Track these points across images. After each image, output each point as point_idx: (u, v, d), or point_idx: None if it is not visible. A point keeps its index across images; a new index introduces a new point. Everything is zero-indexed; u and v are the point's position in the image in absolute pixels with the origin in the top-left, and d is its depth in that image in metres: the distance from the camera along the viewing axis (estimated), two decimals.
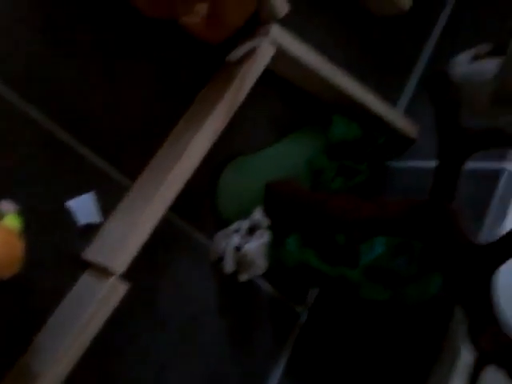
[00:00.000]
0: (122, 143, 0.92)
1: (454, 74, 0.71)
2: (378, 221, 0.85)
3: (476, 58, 0.69)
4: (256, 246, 0.95)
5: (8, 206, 0.75)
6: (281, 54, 0.97)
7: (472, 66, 0.69)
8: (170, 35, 0.94)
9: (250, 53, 0.95)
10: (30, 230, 0.78)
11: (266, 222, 0.97)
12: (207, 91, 0.98)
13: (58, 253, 0.86)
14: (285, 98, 1.11)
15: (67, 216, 0.86)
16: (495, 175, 1.08)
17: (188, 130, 0.92)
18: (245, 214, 0.99)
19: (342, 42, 1.21)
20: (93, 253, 0.85)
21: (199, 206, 0.99)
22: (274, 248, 1.00)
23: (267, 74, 0.99)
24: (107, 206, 0.88)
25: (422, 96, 1.33)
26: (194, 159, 0.87)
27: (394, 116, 1.18)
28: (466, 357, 0.83)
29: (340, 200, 0.93)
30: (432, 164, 1.21)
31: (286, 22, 0.98)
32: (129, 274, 0.82)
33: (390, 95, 1.30)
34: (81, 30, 0.89)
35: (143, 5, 0.83)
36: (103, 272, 0.81)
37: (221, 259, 0.98)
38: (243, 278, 0.97)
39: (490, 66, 0.67)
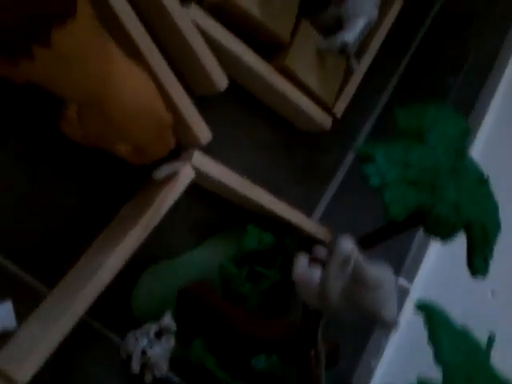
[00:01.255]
0: (41, 251, 0.99)
1: (294, 274, 0.83)
2: (261, 340, 0.96)
3: (313, 260, 0.82)
4: (160, 351, 1.04)
5: None
6: (202, 177, 1.09)
7: (308, 269, 0.80)
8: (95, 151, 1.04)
9: (173, 174, 1.06)
10: None
11: (173, 326, 1.06)
12: (129, 207, 1.07)
13: None
14: (206, 203, 1.22)
15: None
16: None
17: (106, 245, 1.00)
18: (157, 317, 1.08)
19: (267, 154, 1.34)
20: (1, 359, 0.91)
21: (114, 307, 1.07)
22: (182, 346, 1.10)
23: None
24: (23, 313, 0.94)
25: (341, 199, 1.47)
26: (109, 274, 0.96)
27: (310, 225, 1.30)
28: None
29: (236, 313, 1.04)
30: None
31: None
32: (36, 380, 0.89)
33: (311, 197, 1.44)
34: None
35: (74, 136, 0.92)
36: (8, 380, 0.87)
37: (129, 358, 1.06)
38: (148, 378, 1.05)
39: (317, 275, 0.79)
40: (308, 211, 1.41)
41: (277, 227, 1.27)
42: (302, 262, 0.82)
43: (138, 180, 1.10)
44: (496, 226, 0.78)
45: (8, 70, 0.78)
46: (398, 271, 1.21)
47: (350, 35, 1.24)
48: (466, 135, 0.81)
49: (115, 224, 1.06)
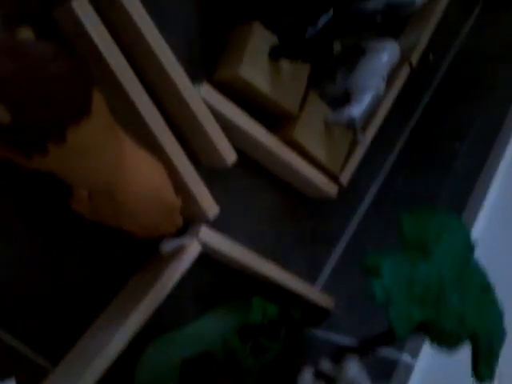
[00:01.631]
0: (45, 325, 1.00)
1: None
2: None
3: (319, 374, 0.82)
4: None
5: None
6: (208, 250, 1.10)
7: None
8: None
9: (180, 247, 1.07)
10: None
11: None
12: (136, 280, 1.09)
13: None
14: (211, 271, 1.22)
15: None
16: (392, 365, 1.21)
17: (113, 320, 1.01)
18: None
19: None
20: None
21: (117, 381, 1.07)
22: None
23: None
24: None
25: (346, 264, 1.47)
26: (115, 351, 0.96)
27: (313, 293, 1.31)
28: None
29: None
30: (346, 340, 1.34)
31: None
32: None
33: (315, 263, 1.44)
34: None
35: (84, 213, 0.94)
36: None
37: None
38: None
39: None
40: (312, 277, 1.41)
41: (282, 295, 1.28)
42: (306, 378, 0.83)
43: (146, 252, 1.11)
44: (501, 334, 0.78)
45: (21, 160, 0.80)
46: (401, 347, 1.20)
47: (357, 110, 1.27)
48: (472, 248, 0.82)
49: (122, 297, 1.07)
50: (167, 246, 1.07)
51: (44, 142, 0.73)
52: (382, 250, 0.77)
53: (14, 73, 0.66)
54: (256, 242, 1.28)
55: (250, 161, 1.28)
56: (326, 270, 1.43)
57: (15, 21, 0.93)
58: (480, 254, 1.21)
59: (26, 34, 0.70)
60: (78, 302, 1.04)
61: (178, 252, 1.06)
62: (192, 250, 1.06)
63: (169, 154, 1.01)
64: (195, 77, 1.12)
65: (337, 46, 1.35)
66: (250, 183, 1.30)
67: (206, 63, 1.20)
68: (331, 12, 1.18)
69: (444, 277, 0.73)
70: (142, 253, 1.11)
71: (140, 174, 0.84)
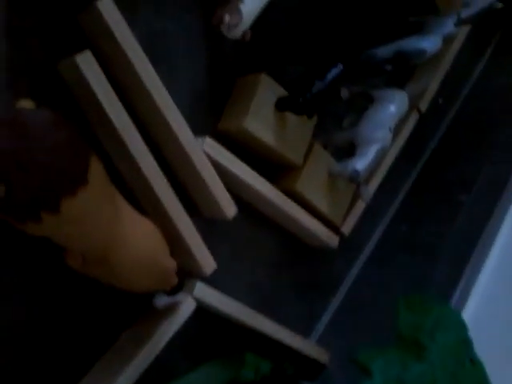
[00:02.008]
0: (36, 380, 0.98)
1: None
2: None
3: None
4: None
5: None
6: (203, 306, 1.08)
7: None
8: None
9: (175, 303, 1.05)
10: None
11: None
12: (129, 334, 1.06)
13: None
14: (204, 324, 1.20)
15: None
16: None
17: (104, 376, 0.99)
18: None
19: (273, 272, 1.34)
20: None
21: None
22: None
23: None
24: None
25: (342, 318, 1.45)
26: None
27: (308, 347, 1.28)
28: None
29: None
30: None
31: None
32: None
33: (313, 313, 1.42)
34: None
35: (78, 268, 0.92)
36: None
37: None
38: None
39: None
40: (308, 328, 1.39)
41: (276, 348, 1.25)
42: None
43: (138, 306, 1.09)
44: None
45: (15, 224, 0.79)
46: None
47: (361, 163, 1.25)
48: (467, 346, 0.79)
49: (113, 352, 1.05)
50: (161, 302, 1.05)
51: (38, 211, 0.71)
52: (373, 347, 0.74)
53: (9, 147, 0.65)
54: (252, 292, 1.25)
55: (251, 209, 1.26)
56: (323, 322, 1.41)
57: (19, 72, 0.93)
58: (481, 320, 1.18)
59: (25, 104, 0.69)
60: (69, 356, 1.01)
61: (172, 307, 1.04)
62: (187, 307, 1.03)
63: (167, 208, 1.00)
64: (199, 126, 1.11)
65: (345, 93, 1.33)
66: (250, 232, 1.27)
67: (211, 112, 1.18)
68: (340, 66, 1.17)
69: (437, 378, 0.71)
70: (135, 306, 1.08)
71: (135, 240, 0.82)
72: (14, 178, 0.66)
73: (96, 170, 0.74)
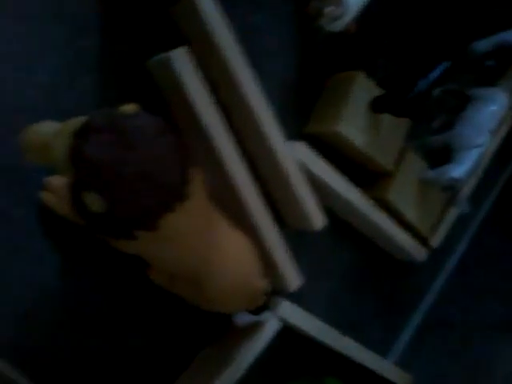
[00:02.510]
0: None
1: None
2: None
3: None
4: None
5: None
6: (287, 326, 1.00)
7: None
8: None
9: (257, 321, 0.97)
10: None
11: None
12: (209, 353, 0.99)
13: None
14: (283, 344, 1.12)
15: None
16: None
17: None
18: None
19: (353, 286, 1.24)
20: None
21: None
22: None
23: None
24: None
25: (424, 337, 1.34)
26: None
27: (390, 371, 1.18)
28: None
29: None
30: None
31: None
32: None
33: (393, 330, 1.32)
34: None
35: (161, 284, 0.85)
36: None
37: None
38: None
39: None
40: (388, 344, 1.29)
41: (357, 370, 1.17)
42: None
43: (220, 324, 1.01)
44: None
45: (106, 239, 0.72)
46: None
47: (460, 170, 1.12)
48: None
49: (194, 370, 0.97)
50: (242, 320, 0.97)
51: (135, 230, 0.64)
52: None
53: (110, 158, 0.57)
54: (332, 307, 1.17)
55: (336, 219, 1.16)
56: (403, 340, 1.31)
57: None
58: None
59: (127, 108, 0.61)
60: (147, 373, 0.95)
61: (254, 327, 0.96)
62: (271, 327, 0.95)
63: (256, 221, 0.91)
64: (286, 127, 1.02)
65: (436, 91, 1.21)
66: (332, 243, 1.18)
67: (299, 112, 1.08)
68: (446, 63, 1.04)
69: None
70: (216, 324, 1.01)
71: (230, 261, 0.74)
72: (114, 192, 0.58)
73: (196, 182, 0.66)
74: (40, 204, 0.79)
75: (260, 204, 0.90)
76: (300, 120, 1.08)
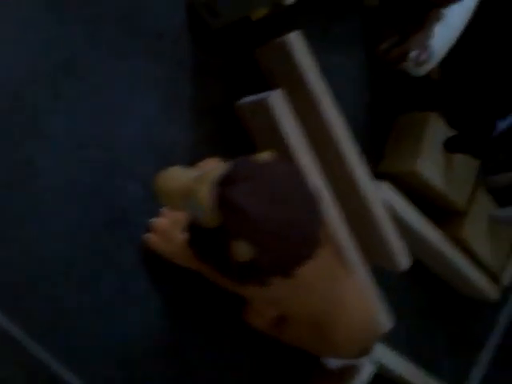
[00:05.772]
0: None
1: None
2: None
3: None
4: None
5: None
6: (381, 371, 0.96)
7: None
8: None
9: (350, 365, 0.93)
10: None
11: None
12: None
13: None
14: None
15: None
16: None
17: None
18: None
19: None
20: None
21: None
22: None
23: None
24: None
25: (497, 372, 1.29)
26: None
27: None
28: None
29: None
30: None
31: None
32: None
33: (465, 367, 1.28)
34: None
35: (259, 326, 0.82)
36: None
37: None
38: None
39: None
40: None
41: None
42: None
43: (309, 367, 0.98)
44: None
45: (226, 284, 0.70)
46: None
47: None
48: None
49: None
50: (334, 364, 0.94)
51: (271, 277, 0.62)
52: None
53: (261, 209, 0.56)
54: (409, 348, 1.13)
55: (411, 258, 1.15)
56: (476, 377, 1.26)
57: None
58: None
59: (267, 156, 0.60)
60: None
61: (350, 371, 0.93)
62: (365, 372, 0.92)
63: (349, 260, 0.90)
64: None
65: (502, 124, 1.21)
66: (410, 283, 1.15)
67: (371, 151, 1.09)
68: None
69: None
70: (305, 367, 0.97)
71: (354, 308, 0.71)
72: (263, 241, 0.57)
73: (325, 227, 0.64)
74: (144, 246, 0.78)
75: (352, 246, 0.88)
76: (372, 159, 1.08)
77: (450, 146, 1.04)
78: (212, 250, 0.60)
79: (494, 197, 1.20)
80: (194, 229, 0.64)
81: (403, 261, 0.98)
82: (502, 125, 1.01)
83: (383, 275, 1.12)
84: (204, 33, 0.83)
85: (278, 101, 0.81)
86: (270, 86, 0.91)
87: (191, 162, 0.82)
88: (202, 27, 0.83)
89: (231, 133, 0.86)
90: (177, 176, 0.61)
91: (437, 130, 1.04)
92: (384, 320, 0.93)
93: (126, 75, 0.79)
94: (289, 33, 0.83)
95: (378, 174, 1.07)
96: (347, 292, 0.71)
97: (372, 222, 0.95)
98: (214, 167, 0.59)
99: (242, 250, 0.56)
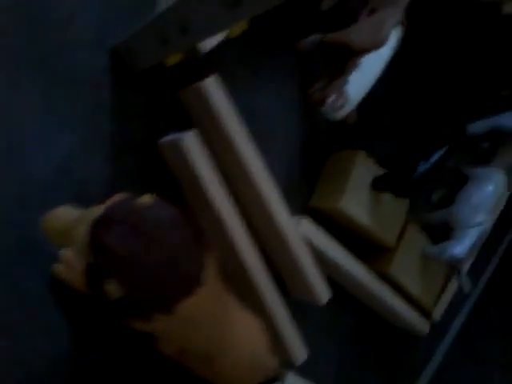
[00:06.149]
0: None
1: None
2: None
3: None
4: None
5: None
6: None
7: None
8: None
9: None
10: None
11: None
12: None
13: None
14: None
15: None
16: None
17: None
18: None
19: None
20: None
21: None
22: None
23: None
24: None
25: None
26: None
27: None
28: None
29: None
30: None
31: None
32: None
33: None
34: None
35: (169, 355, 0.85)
36: None
37: None
38: None
39: None
40: None
41: None
42: None
43: None
44: None
45: (123, 319, 0.73)
46: None
47: (460, 249, 1.14)
48: None
49: None
50: None
51: (151, 313, 0.65)
52: None
53: (126, 248, 0.60)
54: (338, 379, 1.16)
55: (339, 288, 1.17)
56: None
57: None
58: None
59: (146, 200, 0.64)
60: None
61: None
62: None
63: (263, 296, 0.93)
64: (291, 200, 1.04)
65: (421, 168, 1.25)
66: (336, 312, 1.18)
67: (303, 187, 1.11)
68: (446, 147, 1.08)
69: None
70: None
71: (243, 342, 0.74)
72: (132, 281, 0.60)
73: (211, 266, 0.68)
74: (52, 275, 0.81)
75: (268, 282, 0.91)
76: (306, 194, 1.11)
77: (377, 185, 1.08)
78: (92, 286, 0.63)
79: (427, 233, 1.22)
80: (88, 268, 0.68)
81: (322, 295, 1.01)
82: (423, 167, 1.04)
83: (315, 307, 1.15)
84: (128, 74, 0.87)
85: (191, 141, 0.85)
86: (193, 125, 0.95)
87: (106, 196, 0.86)
88: (126, 69, 0.87)
89: (151, 169, 0.90)
90: (62, 215, 0.65)
91: (364, 169, 1.08)
92: (297, 353, 0.96)
93: (48, 113, 0.83)
94: (216, 74, 0.87)
95: (310, 209, 1.10)
96: (238, 328, 0.74)
97: (291, 257, 0.98)
98: (95, 208, 0.63)
99: (112, 289, 0.60)
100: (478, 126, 1.27)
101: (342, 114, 0.94)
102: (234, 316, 0.74)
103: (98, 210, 0.62)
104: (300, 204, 1.11)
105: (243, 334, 0.75)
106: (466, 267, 1.18)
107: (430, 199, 1.35)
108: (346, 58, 0.94)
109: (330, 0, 1.08)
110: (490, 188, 1.21)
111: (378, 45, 0.92)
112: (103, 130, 0.85)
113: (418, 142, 1.11)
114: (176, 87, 0.92)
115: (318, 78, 1.05)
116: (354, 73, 0.93)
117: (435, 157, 1.05)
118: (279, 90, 1.06)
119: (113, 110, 0.86)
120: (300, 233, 0.98)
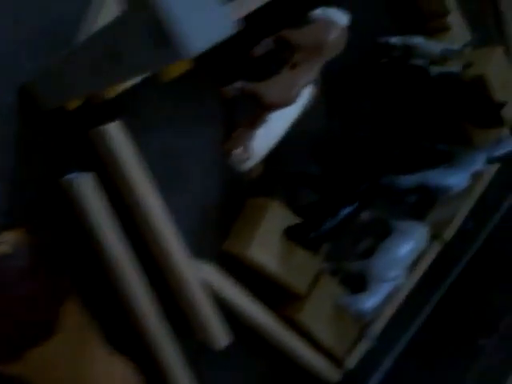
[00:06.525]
0: None
1: None
2: None
3: None
4: None
5: None
6: None
7: None
8: None
9: None
10: None
11: None
12: None
13: None
14: None
15: None
16: None
17: None
18: None
19: None
20: None
21: None
22: None
23: None
24: None
25: None
26: None
27: None
28: None
29: None
30: None
31: None
32: None
33: None
34: None
35: None
36: None
37: None
38: None
39: None
40: None
41: None
42: None
43: None
44: None
45: None
46: None
47: (370, 302, 1.14)
48: None
49: None
50: None
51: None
52: None
53: None
54: None
55: (248, 332, 1.18)
56: None
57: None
58: None
59: (5, 247, 0.66)
60: None
61: None
62: None
63: (158, 348, 0.94)
64: (206, 242, 1.06)
65: (366, 215, 1.26)
66: (245, 356, 1.18)
67: (219, 229, 1.11)
68: (355, 204, 1.10)
69: None
70: None
71: None
72: None
73: (70, 315, 0.69)
74: None
75: (159, 327, 0.94)
76: (221, 237, 1.13)
77: (289, 234, 1.10)
78: None
79: (350, 283, 1.24)
80: None
81: (221, 339, 1.03)
82: (329, 224, 1.06)
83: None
84: (36, 112, 0.90)
85: (85, 183, 0.88)
86: (101, 164, 0.96)
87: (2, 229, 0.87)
88: (34, 107, 0.89)
89: (50, 205, 0.92)
90: None
91: (278, 217, 1.10)
92: None
93: None
94: (121, 118, 0.89)
95: (223, 253, 1.12)
96: (101, 373, 0.76)
97: (188, 300, 1.00)
98: None
99: None
100: (406, 180, 1.30)
101: (246, 166, 0.97)
102: (97, 361, 0.76)
103: None
104: (216, 246, 1.12)
105: (106, 379, 0.77)
106: (380, 322, 1.19)
107: (356, 248, 1.36)
108: (259, 111, 0.98)
109: (262, 47, 1.10)
110: (410, 243, 1.23)
111: (287, 103, 0.95)
112: (3, 166, 0.87)
113: (328, 194, 1.13)
114: (88, 127, 0.95)
115: (238, 125, 1.08)
116: (261, 128, 0.96)
117: (344, 212, 1.07)
118: (201, 132, 1.08)
119: (16, 146, 0.89)
120: (200, 277, 1.00)
